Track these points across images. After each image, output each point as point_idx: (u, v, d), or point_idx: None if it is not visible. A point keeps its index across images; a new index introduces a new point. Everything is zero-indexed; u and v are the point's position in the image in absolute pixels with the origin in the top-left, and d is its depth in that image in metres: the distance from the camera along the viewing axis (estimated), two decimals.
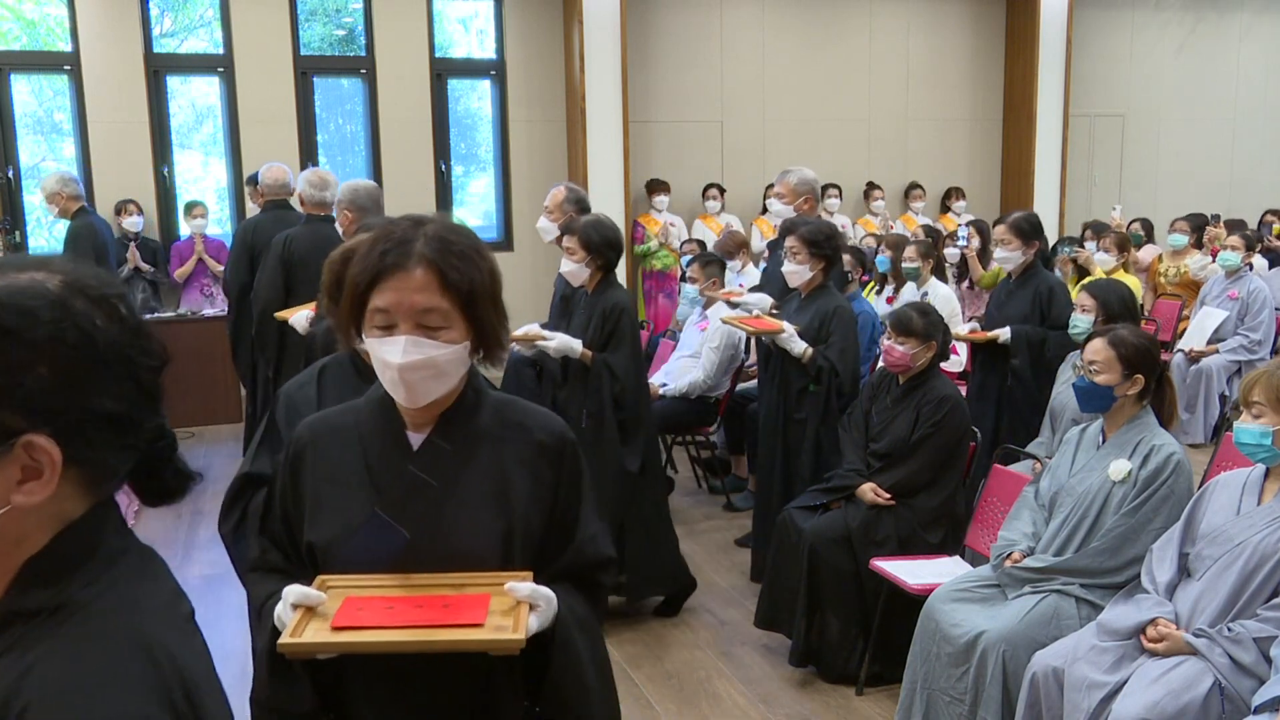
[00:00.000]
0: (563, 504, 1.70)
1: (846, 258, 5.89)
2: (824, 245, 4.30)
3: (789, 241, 4.36)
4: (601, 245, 4.13)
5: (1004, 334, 4.76)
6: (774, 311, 4.68)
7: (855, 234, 9.36)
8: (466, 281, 1.57)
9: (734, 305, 5.05)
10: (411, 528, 1.62)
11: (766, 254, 6.87)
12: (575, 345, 4.10)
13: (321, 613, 1.57)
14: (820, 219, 4.69)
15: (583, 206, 4.74)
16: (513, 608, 1.56)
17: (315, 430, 1.74)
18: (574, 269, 4.18)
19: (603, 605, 1.80)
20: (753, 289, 5.18)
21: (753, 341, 6.82)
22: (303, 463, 1.71)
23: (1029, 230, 4.87)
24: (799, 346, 4.23)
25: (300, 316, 4.25)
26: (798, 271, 4.36)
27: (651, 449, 4.35)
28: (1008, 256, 4.91)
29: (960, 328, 5.43)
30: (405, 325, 1.56)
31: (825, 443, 4.28)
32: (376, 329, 1.58)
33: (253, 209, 7.34)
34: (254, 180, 6.63)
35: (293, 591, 1.58)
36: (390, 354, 1.56)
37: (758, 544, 4.55)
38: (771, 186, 9.23)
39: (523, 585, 1.58)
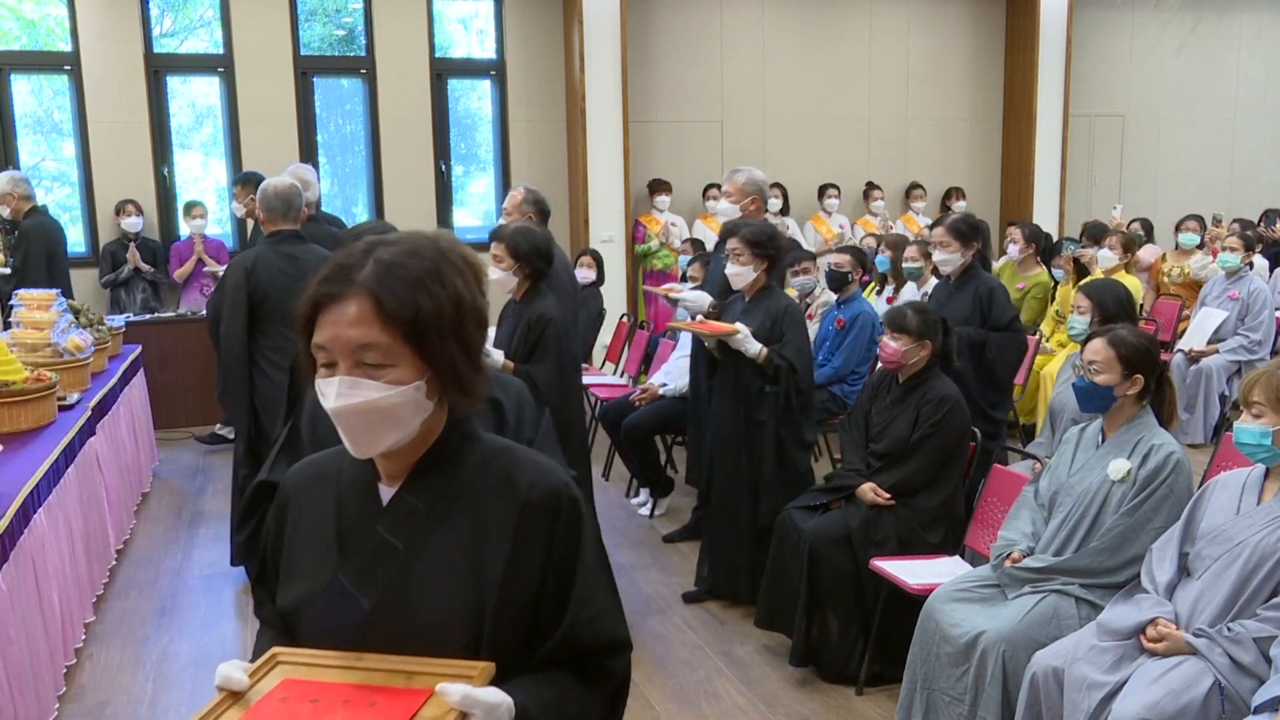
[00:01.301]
0: (555, 575, 1.42)
1: (846, 258, 5.90)
2: (766, 246, 4.27)
3: (731, 243, 4.32)
4: (530, 253, 3.99)
5: None
6: (711, 311, 4.65)
7: (855, 234, 9.36)
8: (409, 311, 1.35)
9: (674, 302, 5.00)
10: (374, 597, 1.41)
11: None
12: (497, 357, 3.93)
13: (247, 699, 1.38)
14: (764, 220, 4.64)
15: (542, 208, 4.70)
16: (447, 713, 1.29)
17: (300, 478, 1.57)
18: (501, 277, 4.02)
19: (614, 697, 1.49)
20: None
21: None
22: (285, 515, 1.55)
23: (967, 232, 4.86)
24: (754, 347, 4.18)
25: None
26: (741, 273, 4.31)
27: (581, 467, 4.13)
28: (946, 259, 4.89)
29: (880, 336, 5.41)
30: (344, 364, 1.36)
31: (788, 442, 4.26)
32: (321, 368, 1.39)
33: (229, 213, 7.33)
34: (246, 180, 6.58)
35: (219, 671, 1.40)
36: (326, 397, 1.37)
37: (718, 557, 4.46)
38: (772, 186, 9.31)
39: (455, 689, 1.28)
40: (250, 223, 7.00)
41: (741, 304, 4.39)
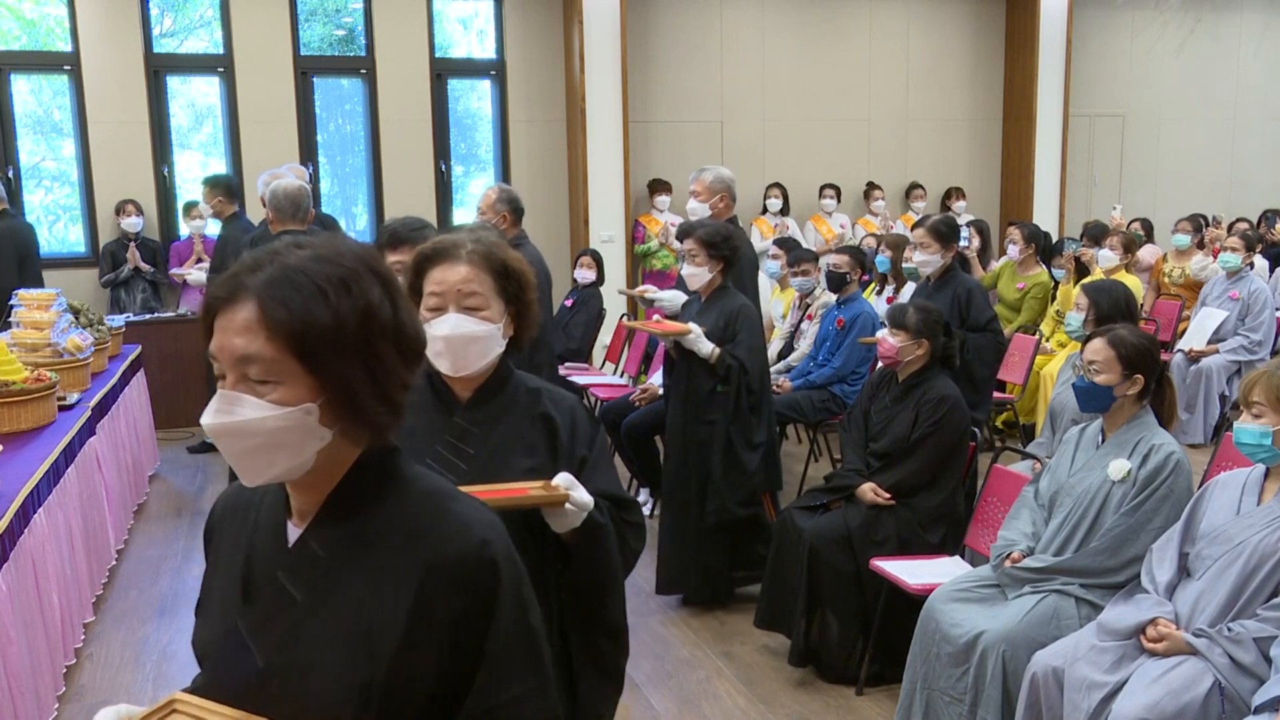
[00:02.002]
0: (460, 653, 1.22)
1: (845, 258, 5.89)
2: (721, 246, 4.26)
3: (687, 244, 4.31)
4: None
5: None
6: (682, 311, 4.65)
7: (855, 234, 9.36)
8: (297, 323, 1.16)
9: (648, 303, 5.00)
10: (266, 653, 1.25)
11: (770, 254, 6.90)
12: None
13: None
14: (720, 221, 4.60)
15: (515, 207, 4.72)
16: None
17: (228, 502, 1.42)
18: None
19: None
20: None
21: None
22: (210, 542, 1.43)
23: (947, 233, 4.86)
24: (706, 347, 4.18)
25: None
26: (697, 274, 4.31)
27: None
28: (926, 260, 4.88)
29: (880, 332, 5.37)
30: (229, 377, 1.21)
31: (737, 443, 4.25)
32: (218, 379, 1.25)
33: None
34: (215, 182, 6.57)
35: (97, 717, 1.34)
36: (205, 412, 1.22)
37: (666, 553, 4.44)
38: (772, 187, 9.32)
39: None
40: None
41: (698, 304, 4.40)
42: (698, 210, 4.87)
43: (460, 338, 1.91)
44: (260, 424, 1.18)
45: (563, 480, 1.88)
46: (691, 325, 4.22)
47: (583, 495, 1.89)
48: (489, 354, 1.95)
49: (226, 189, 6.50)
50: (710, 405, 4.25)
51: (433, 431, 1.97)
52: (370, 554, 1.23)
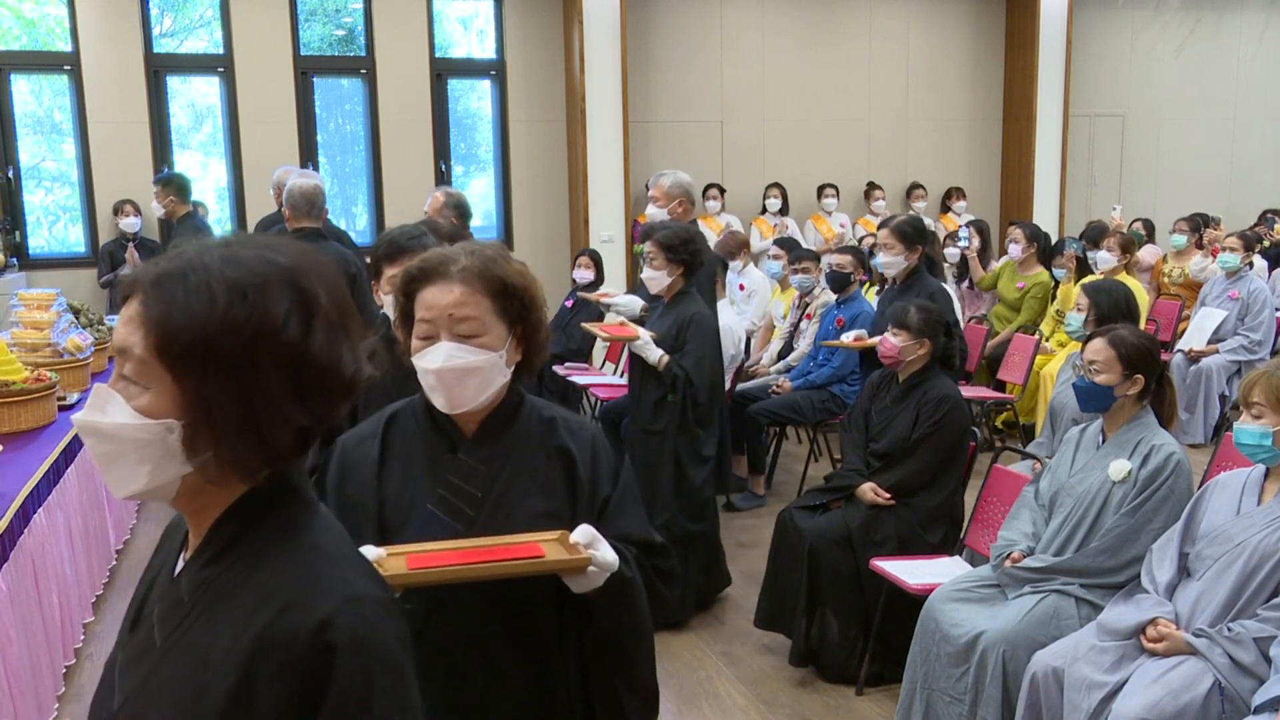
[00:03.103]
0: None
1: (847, 258, 5.89)
2: (680, 250, 4.14)
3: (646, 247, 4.22)
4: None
5: None
6: (644, 315, 4.60)
7: (855, 234, 9.36)
8: (169, 322, 1.01)
9: (607, 307, 4.95)
10: (122, 695, 1.14)
11: (771, 253, 6.90)
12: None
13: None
14: (682, 224, 4.48)
15: (462, 211, 4.70)
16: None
17: (176, 517, 1.23)
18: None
19: None
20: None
21: (753, 341, 6.84)
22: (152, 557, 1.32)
23: (912, 235, 4.69)
24: (654, 354, 4.09)
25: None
26: (656, 278, 4.19)
27: None
28: (890, 261, 4.72)
29: (845, 335, 5.33)
30: (115, 372, 1.08)
31: (685, 456, 4.13)
32: None
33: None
34: (167, 181, 6.56)
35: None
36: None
37: None
38: (771, 187, 9.32)
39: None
40: (170, 222, 6.91)
41: (661, 308, 4.30)
42: (656, 215, 4.74)
43: (454, 370, 1.69)
44: (118, 431, 1.04)
45: (582, 536, 1.66)
46: (640, 330, 4.13)
47: (606, 554, 1.66)
48: (490, 386, 1.73)
49: (179, 188, 6.51)
50: (658, 414, 4.14)
51: (433, 471, 1.77)
52: (224, 608, 1.05)
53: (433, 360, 1.70)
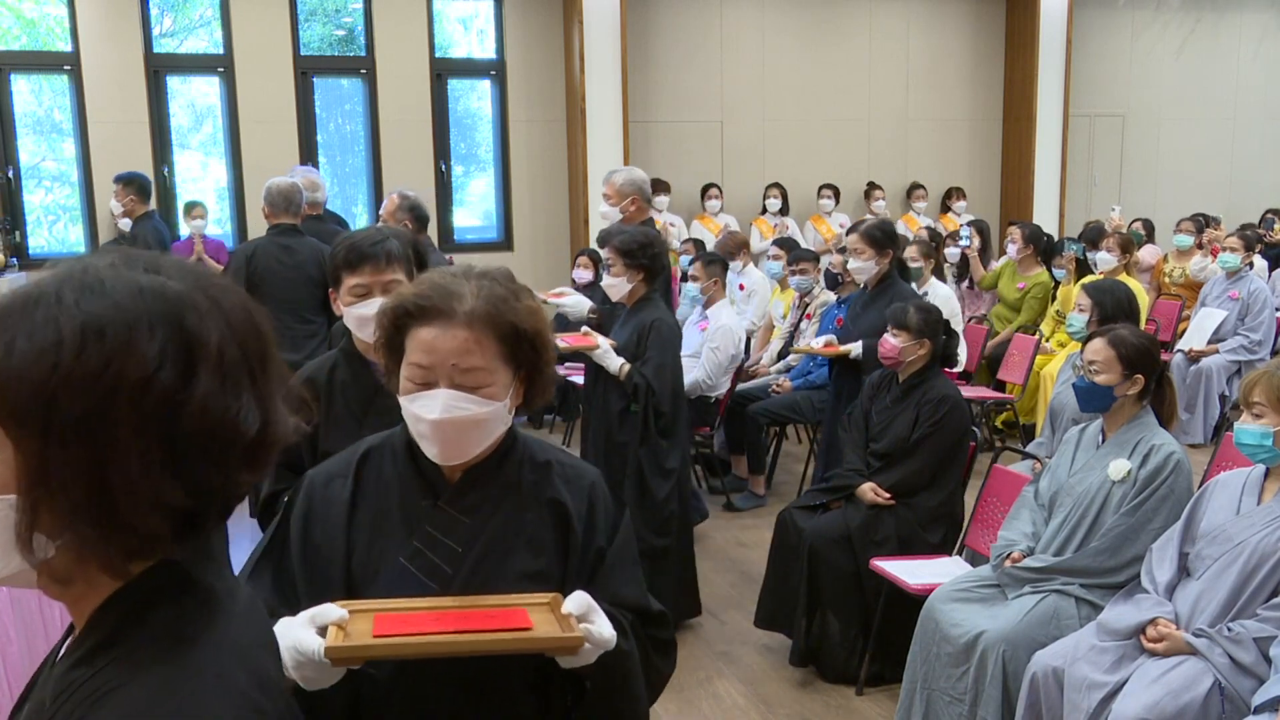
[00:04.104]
0: None
1: (843, 258, 5.89)
2: (639, 255, 3.95)
3: (604, 253, 4.08)
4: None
5: (855, 349, 4.54)
6: (591, 316, 4.53)
7: None
8: (6, 374, 0.81)
9: (558, 307, 4.88)
10: None
11: (771, 254, 6.91)
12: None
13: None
14: (639, 228, 4.30)
15: (418, 214, 4.63)
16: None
17: None
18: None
19: None
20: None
21: (753, 341, 6.84)
22: None
23: (882, 239, 4.56)
24: (614, 363, 3.92)
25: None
26: (615, 284, 4.01)
27: None
28: (861, 266, 4.61)
29: (814, 341, 5.28)
30: None
31: (648, 468, 3.96)
32: None
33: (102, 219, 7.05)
34: (128, 180, 6.54)
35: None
36: None
37: None
38: (771, 187, 9.32)
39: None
40: (127, 222, 6.92)
41: (624, 314, 4.15)
42: (609, 215, 4.62)
43: (454, 423, 1.51)
44: None
45: (576, 606, 1.48)
46: (599, 339, 4.00)
47: (603, 629, 1.48)
48: (490, 437, 1.57)
49: (140, 188, 6.54)
50: (622, 426, 3.98)
51: (409, 521, 1.58)
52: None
53: (428, 409, 1.51)
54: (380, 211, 4.84)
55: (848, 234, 4.90)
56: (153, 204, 7.22)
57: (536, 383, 1.60)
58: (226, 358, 0.86)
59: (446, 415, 1.50)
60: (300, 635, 1.39)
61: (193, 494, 0.84)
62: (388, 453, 1.65)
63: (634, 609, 1.63)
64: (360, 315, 2.28)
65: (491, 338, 1.52)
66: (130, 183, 6.56)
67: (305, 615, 1.42)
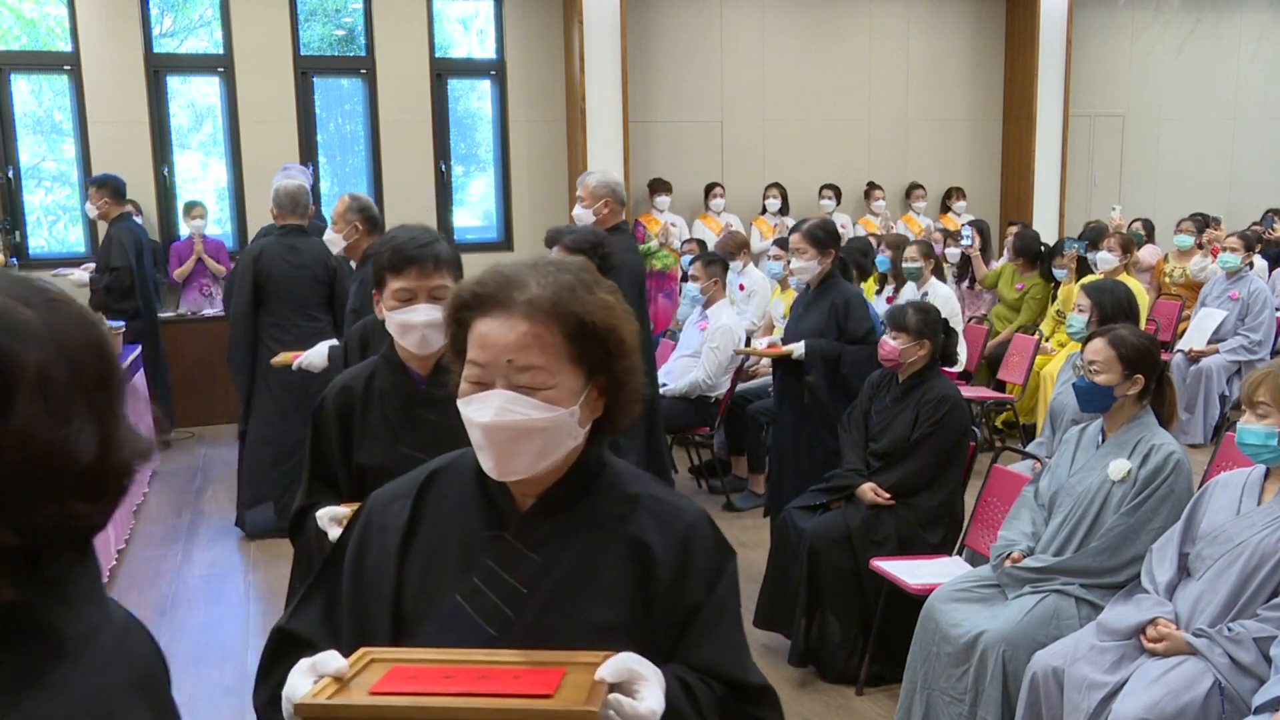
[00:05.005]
0: None
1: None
2: (590, 254, 3.88)
3: (554, 252, 4.04)
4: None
5: (798, 349, 4.50)
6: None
7: (856, 234, 9.36)
8: None
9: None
10: None
11: (771, 254, 6.90)
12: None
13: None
14: (589, 228, 4.27)
15: (368, 215, 4.55)
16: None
17: None
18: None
19: None
20: None
21: (753, 341, 6.83)
22: None
23: (824, 239, 4.54)
24: None
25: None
26: None
27: None
28: (804, 266, 4.58)
29: (758, 342, 5.28)
30: None
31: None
32: None
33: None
34: (102, 183, 6.52)
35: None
36: None
37: None
38: (771, 187, 9.32)
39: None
40: (102, 224, 6.84)
41: None
42: (582, 216, 4.62)
43: (507, 429, 1.31)
44: None
45: (613, 671, 1.20)
46: None
47: (639, 707, 1.20)
48: (553, 452, 1.34)
49: (114, 190, 6.52)
50: None
51: (470, 552, 1.38)
52: None
53: (481, 412, 1.32)
54: (331, 215, 4.75)
55: (790, 233, 4.88)
56: (156, 203, 7.20)
57: (618, 394, 1.38)
58: (51, 380, 0.77)
59: (498, 419, 1.31)
60: (294, 682, 1.25)
61: (22, 531, 0.77)
62: (455, 473, 1.44)
63: (727, 680, 1.36)
64: (403, 322, 2.21)
65: (555, 332, 1.32)
66: (104, 185, 6.53)
67: (307, 662, 1.26)
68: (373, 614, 1.39)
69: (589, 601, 1.34)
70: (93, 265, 6.91)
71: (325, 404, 2.28)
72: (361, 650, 1.24)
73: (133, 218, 6.73)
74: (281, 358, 4.43)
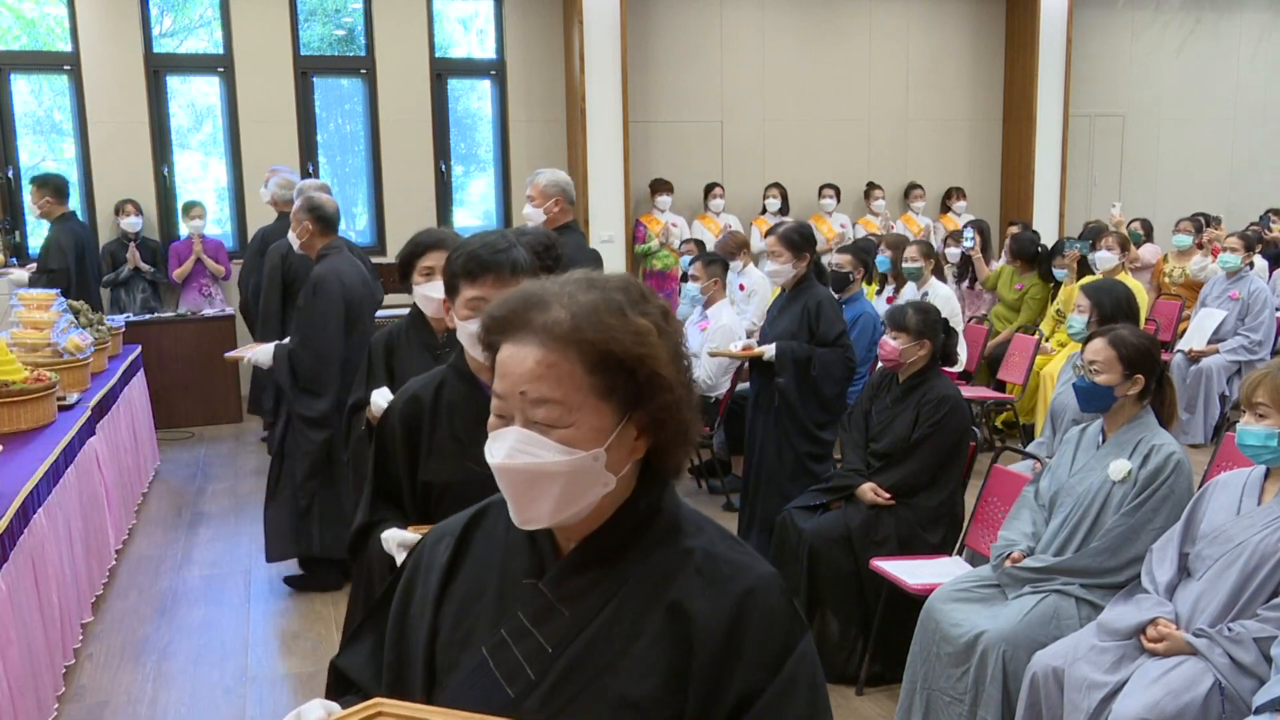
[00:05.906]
0: None
1: (847, 258, 5.88)
2: (544, 256, 3.77)
3: None
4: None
5: (768, 351, 4.54)
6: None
7: (855, 234, 9.36)
8: None
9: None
10: None
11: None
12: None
13: None
14: (542, 230, 4.17)
15: (320, 215, 4.49)
16: None
17: None
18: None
19: None
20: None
21: (753, 341, 6.83)
22: None
23: (799, 242, 4.55)
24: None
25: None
26: None
27: None
28: (778, 269, 4.59)
29: (734, 344, 5.29)
30: None
31: None
32: None
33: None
34: (44, 182, 6.48)
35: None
36: None
37: None
38: (771, 187, 9.31)
39: None
40: (45, 223, 6.72)
41: None
42: (533, 215, 4.60)
43: (519, 473, 1.16)
44: None
45: None
46: None
47: None
48: (576, 500, 1.17)
49: (56, 189, 6.44)
50: None
51: (504, 601, 1.24)
52: None
53: (495, 452, 1.18)
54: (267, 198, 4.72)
55: (766, 236, 4.88)
56: (73, 204, 7.09)
57: (662, 433, 1.20)
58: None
59: (509, 461, 1.16)
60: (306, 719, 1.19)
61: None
62: (504, 510, 1.25)
63: None
64: (474, 332, 2.12)
65: (574, 362, 1.15)
66: (45, 184, 6.40)
67: (318, 701, 1.20)
68: (409, 661, 1.28)
69: (616, 672, 1.16)
70: (34, 265, 6.76)
71: (390, 414, 2.17)
72: (373, 700, 1.12)
73: (75, 218, 6.65)
74: (233, 354, 4.81)
